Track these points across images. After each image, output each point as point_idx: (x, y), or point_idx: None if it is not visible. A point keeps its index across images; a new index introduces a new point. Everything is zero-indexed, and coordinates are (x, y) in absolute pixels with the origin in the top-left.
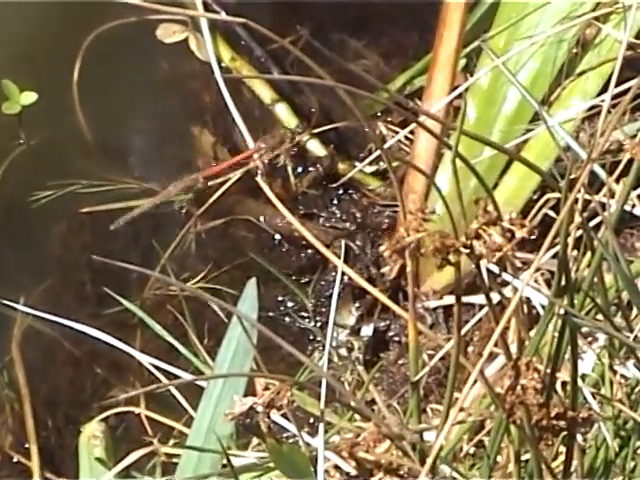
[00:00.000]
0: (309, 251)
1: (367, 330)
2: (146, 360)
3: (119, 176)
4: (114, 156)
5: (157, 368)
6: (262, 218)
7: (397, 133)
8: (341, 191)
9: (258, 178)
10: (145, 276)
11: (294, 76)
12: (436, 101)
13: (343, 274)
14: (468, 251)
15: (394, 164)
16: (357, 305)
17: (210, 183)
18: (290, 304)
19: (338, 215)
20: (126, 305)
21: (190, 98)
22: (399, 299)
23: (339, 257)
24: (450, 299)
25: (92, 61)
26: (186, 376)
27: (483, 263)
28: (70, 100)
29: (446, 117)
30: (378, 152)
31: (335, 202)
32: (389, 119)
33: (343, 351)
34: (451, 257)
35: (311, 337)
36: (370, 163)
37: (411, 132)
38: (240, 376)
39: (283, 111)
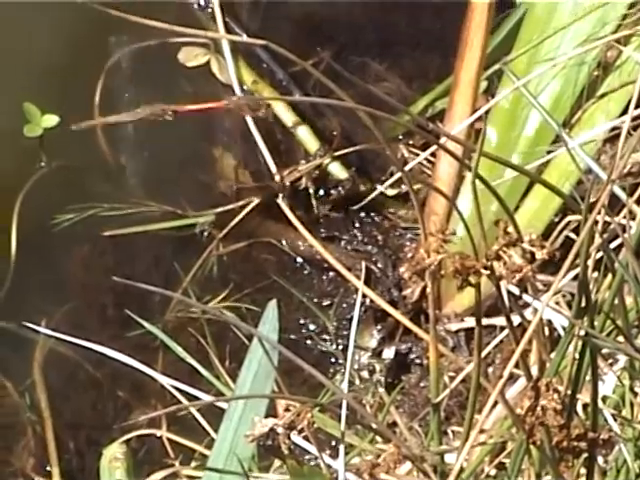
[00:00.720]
0: (331, 274)
1: (389, 352)
2: (168, 382)
3: (140, 199)
4: (135, 179)
5: (178, 390)
6: (284, 241)
7: (418, 155)
8: (363, 214)
9: (280, 201)
10: (167, 298)
11: (315, 98)
12: (457, 123)
13: (364, 297)
14: (488, 272)
15: (415, 186)
16: (379, 327)
17: (231, 206)
18: (312, 327)
19: (360, 238)
20: (148, 328)
21: (212, 121)
22: (421, 321)
23: (360, 280)
24: (471, 321)
25: (114, 84)
26: (207, 398)
27: (504, 285)
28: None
29: (467, 139)
30: (399, 175)
31: (357, 225)
32: (411, 142)
33: (365, 373)
34: (471, 279)
35: (333, 359)
36: (392, 186)
37: (432, 154)
38: (261, 398)
39: (305, 134)
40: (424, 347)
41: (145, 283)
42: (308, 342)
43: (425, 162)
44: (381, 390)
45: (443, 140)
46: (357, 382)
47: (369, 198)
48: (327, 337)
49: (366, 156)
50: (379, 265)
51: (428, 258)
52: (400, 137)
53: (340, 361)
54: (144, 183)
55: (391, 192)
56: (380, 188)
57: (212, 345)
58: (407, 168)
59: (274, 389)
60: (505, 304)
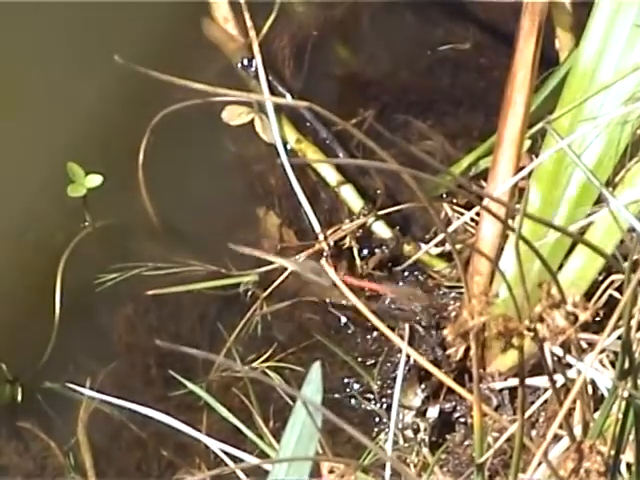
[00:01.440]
0: (375, 333)
1: (433, 412)
2: (212, 443)
3: (184, 258)
4: (179, 238)
5: (223, 451)
6: (328, 300)
7: (462, 214)
8: (407, 273)
9: (323, 261)
10: (211, 358)
11: (359, 159)
12: (501, 183)
13: (408, 356)
14: (532, 334)
15: (459, 246)
16: (423, 387)
17: (275, 265)
18: (356, 386)
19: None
20: (192, 388)
21: (255, 180)
22: (465, 381)
23: (404, 339)
24: (515, 381)
25: (158, 143)
26: (251, 459)
27: (547, 346)
28: (135, 182)
29: (511, 199)
30: (443, 235)
31: (400, 284)
32: (454, 200)
33: (409, 432)
34: (515, 340)
35: (377, 419)
36: (436, 245)
37: (477, 213)
38: (305, 460)
39: (348, 193)
40: (468, 406)
41: (189, 343)
42: (352, 401)
43: (469, 221)
44: (425, 450)
45: (486, 201)
46: (401, 441)
47: (413, 258)
48: (371, 396)
49: (410, 215)
50: (423, 324)
51: (471, 320)
52: (444, 195)
53: (384, 420)
54: (188, 242)
55: (435, 251)
56: (424, 248)
57: (256, 405)
58: (451, 228)
59: (318, 450)
60: (548, 365)
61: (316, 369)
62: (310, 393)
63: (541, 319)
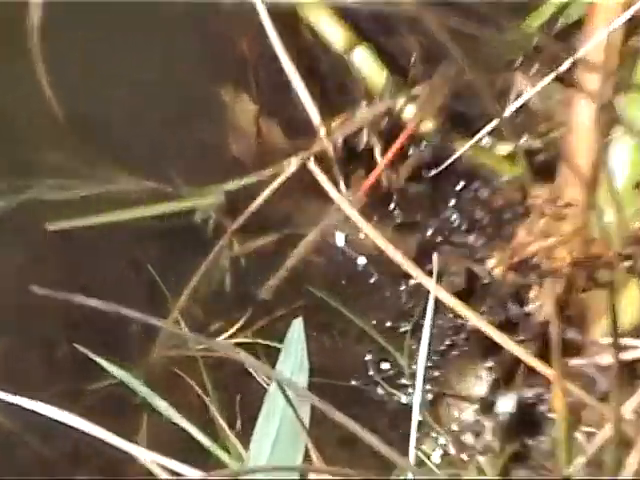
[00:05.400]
0: (412, 281)
1: (505, 404)
2: (151, 457)
3: (107, 171)
4: (99, 141)
5: (166, 468)
6: (337, 232)
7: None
8: (460, 185)
9: (320, 176)
10: (152, 330)
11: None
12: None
13: (462, 318)
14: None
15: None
16: (489, 365)
17: (251, 179)
18: (384, 366)
19: (455, 223)
20: (121, 377)
21: (217, 42)
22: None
23: (458, 292)
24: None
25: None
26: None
27: None
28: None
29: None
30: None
31: (451, 203)
32: (533, 69)
33: (468, 437)
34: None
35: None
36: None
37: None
38: (286, 471)
39: (365, 60)
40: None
41: (118, 303)
42: (378, 391)
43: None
44: (495, 461)
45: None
46: (452, 451)
47: (469, 159)
48: (407, 382)
49: (463, 93)
50: (484, 266)
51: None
52: (518, 64)
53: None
54: (112, 146)
55: (503, 149)
56: (485, 141)
57: (217, 399)
58: (512, 107)
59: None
60: None
61: (297, 329)
62: (290, 369)
63: None
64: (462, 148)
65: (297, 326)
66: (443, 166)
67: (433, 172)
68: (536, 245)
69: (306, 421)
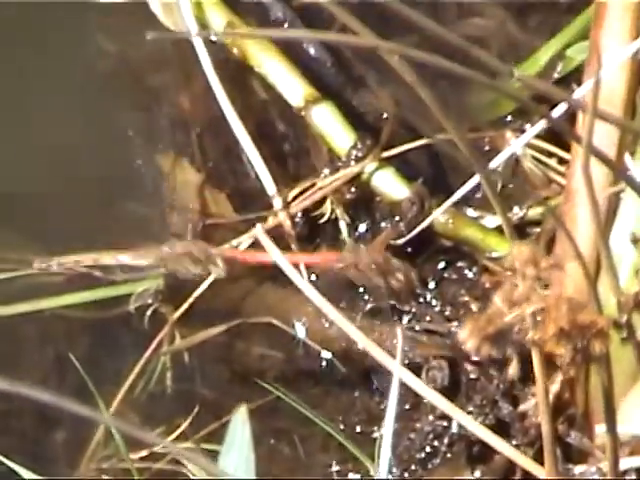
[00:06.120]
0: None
1: None
2: None
3: (23, 252)
4: (17, 214)
5: None
6: (297, 321)
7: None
8: (442, 263)
9: (276, 255)
10: (78, 437)
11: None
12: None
13: (446, 418)
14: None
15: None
16: (478, 473)
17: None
18: (353, 477)
19: (437, 309)
20: None
21: (154, 101)
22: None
23: (441, 389)
24: None
25: None
26: None
27: None
28: None
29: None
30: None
31: (431, 285)
32: (526, 125)
33: None
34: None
35: None
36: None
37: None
38: None
39: (329, 120)
40: None
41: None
42: None
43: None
44: None
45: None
46: None
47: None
48: None
49: (444, 155)
50: (474, 358)
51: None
52: (508, 119)
53: None
54: (32, 221)
55: (492, 222)
56: (470, 213)
57: None
58: (498, 160)
59: None
60: None
61: (241, 421)
62: (233, 465)
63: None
64: (436, 215)
65: (241, 416)
66: (413, 233)
67: (402, 240)
68: (514, 312)
69: None
